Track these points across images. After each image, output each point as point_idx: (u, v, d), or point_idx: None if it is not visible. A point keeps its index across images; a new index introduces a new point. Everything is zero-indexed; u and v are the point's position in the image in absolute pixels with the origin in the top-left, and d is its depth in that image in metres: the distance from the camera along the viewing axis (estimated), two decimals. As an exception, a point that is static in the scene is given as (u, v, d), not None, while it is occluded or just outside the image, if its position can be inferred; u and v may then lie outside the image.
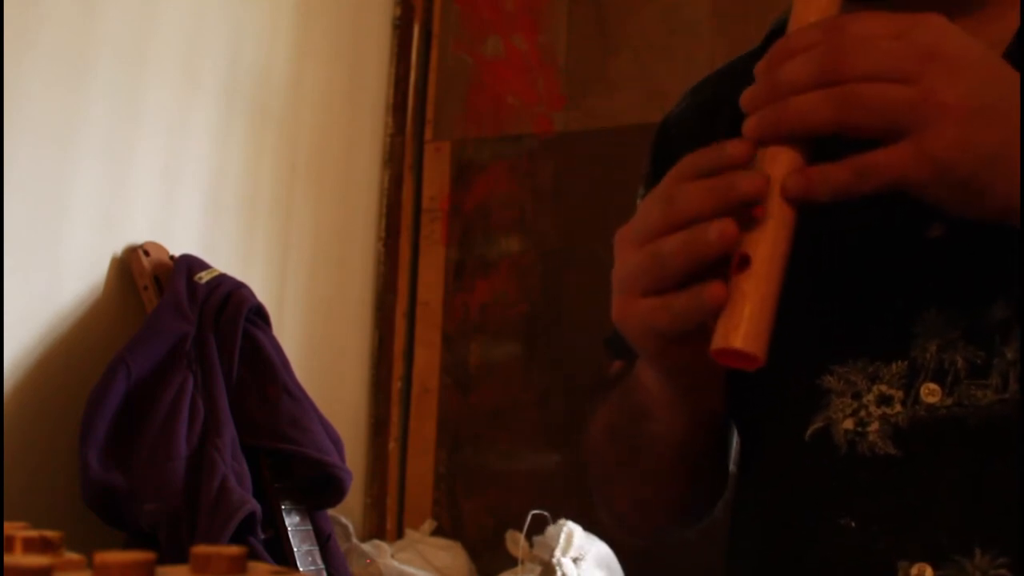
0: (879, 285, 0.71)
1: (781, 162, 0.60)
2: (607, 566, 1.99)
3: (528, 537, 2.05)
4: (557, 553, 1.93)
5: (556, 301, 2.33)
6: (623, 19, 2.40)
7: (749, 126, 0.60)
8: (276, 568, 0.46)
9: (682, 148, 0.69)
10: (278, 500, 1.67)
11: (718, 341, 0.58)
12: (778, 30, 0.68)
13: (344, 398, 2.35)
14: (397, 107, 2.54)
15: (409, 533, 2.31)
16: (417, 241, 2.50)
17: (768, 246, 0.59)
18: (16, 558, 0.41)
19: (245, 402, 1.70)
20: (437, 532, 2.33)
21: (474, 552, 2.26)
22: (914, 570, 0.66)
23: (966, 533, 0.65)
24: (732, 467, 0.86)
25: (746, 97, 0.61)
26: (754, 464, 0.80)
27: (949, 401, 0.67)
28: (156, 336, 1.64)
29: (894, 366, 0.69)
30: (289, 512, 1.67)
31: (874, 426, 0.69)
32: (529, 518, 2.04)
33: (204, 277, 1.74)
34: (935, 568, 0.65)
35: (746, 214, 0.60)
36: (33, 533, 0.47)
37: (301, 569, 1.62)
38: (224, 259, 1.90)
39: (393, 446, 2.41)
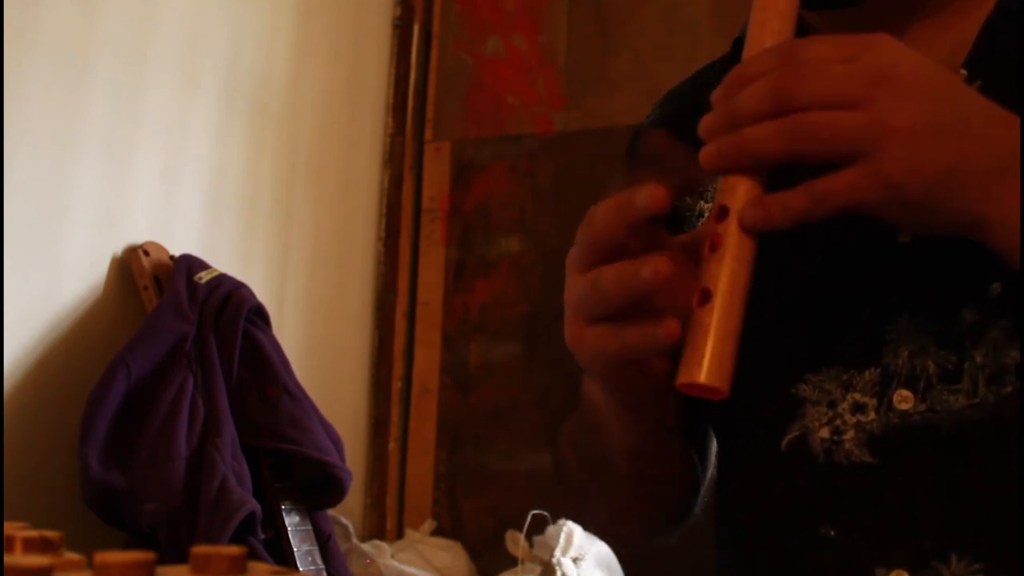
0: (850, 292, 0.72)
1: (739, 193, 0.60)
2: (607, 566, 1.99)
3: (528, 537, 2.05)
4: (557, 553, 1.93)
5: (556, 301, 2.32)
6: (623, 19, 2.40)
7: (707, 157, 0.61)
8: (276, 568, 0.46)
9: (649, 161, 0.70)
10: (278, 500, 1.67)
11: (683, 375, 0.59)
12: (743, 38, 0.69)
13: (344, 398, 2.35)
14: (397, 107, 2.54)
15: (409, 533, 2.31)
16: (417, 241, 2.50)
17: (728, 279, 0.59)
18: (16, 558, 0.41)
19: (245, 402, 1.70)
20: (437, 532, 2.33)
21: (474, 552, 2.26)
22: None
23: (943, 539, 0.65)
24: (712, 471, 0.86)
25: (703, 126, 0.62)
26: (733, 474, 0.81)
27: (922, 407, 0.67)
28: (156, 336, 1.64)
29: (867, 374, 0.70)
30: (289, 512, 1.67)
31: (849, 434, 0.70)
32: (529, 518, 2.04)
33: (204, 277, 1.74)
34: (913, 574, 0.66)
35: (704, 246, 0.61)
36: (33, 533, 0.47)
37: (301, 569, 1.62)
38: (224, 259, 1.90)
39: (393, 446, 2.41)
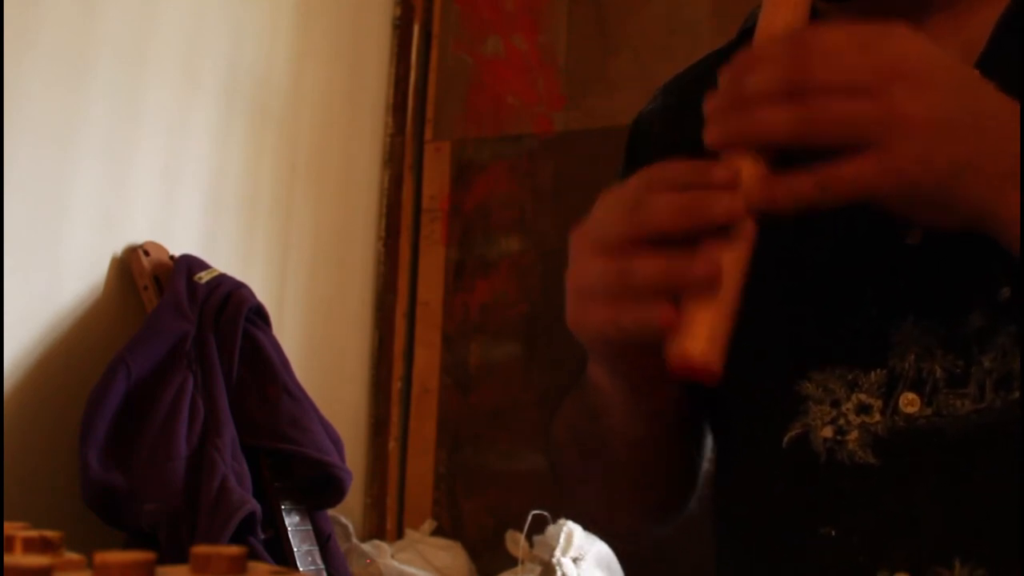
0: (857, 291, 0.71)
1: (743, 171, 0.59)
2: (607, 566, 1.99)
3: (528, 537, 2.05)
4: (557, 553, 1.93)
5: (556, 301, 2.32)
6: (623, 19, 2.40)
7: (711, 135, 0.60)
8: (276, 568, 0.46)
9: (651, 149, 0.68)
10: (278, 500, 1.67)
11: (674, 354, 0.57)
12: (750, 29, 0.68)
13: (344, 398, 2.35)
14: (397, 107, 2.54)
15: (409, 533, 2.31)
16: (417, 241, 2.50)
17: (727, 260, 0.58)
18: (16, 558, 0.41)
19: (245, 402, 1.70)
20: (437, 532, 2.33)
21: (474, 552, 2.26)
22: None
23: (945, 543, 0.65)
24: (707, 465, 0.85)
25: (709, 104, 0.60)
26: (732, 469, 0.79)
27: (928, 411, 0.67)
28: (156, 336, 1.64)
29: (873, 375, 0.69)
30: (289, 512, 1.67)
31: (853, 435, 0.69)
32: (529, 518, 2.04)
33: (204, 277, 1.74)
34: None
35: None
36: (33, 533, 0.47)
37: (301, 569, 1.62)
38: (224, 259, 1.90)
39: (393, 446, 2.41)
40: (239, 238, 2.05)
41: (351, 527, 2.10)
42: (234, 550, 0.43)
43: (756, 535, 0.75)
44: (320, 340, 2.27)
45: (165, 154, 1.86)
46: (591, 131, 2.37)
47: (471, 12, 2.55)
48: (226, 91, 2.01)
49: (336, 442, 1.77)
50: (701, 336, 0.57)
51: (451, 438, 2.39)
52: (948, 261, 0.67)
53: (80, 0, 1.68)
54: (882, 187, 0.56)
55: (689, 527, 0.89)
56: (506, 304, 2.39)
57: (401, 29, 2.56)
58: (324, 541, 1.74)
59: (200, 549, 0.43)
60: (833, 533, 0.69)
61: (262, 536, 1.58)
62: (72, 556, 0.46)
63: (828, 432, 0.70)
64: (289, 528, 1.65)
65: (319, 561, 1.69)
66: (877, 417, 0.68)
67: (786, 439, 0.71)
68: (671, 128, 0.86)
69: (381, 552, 2.08)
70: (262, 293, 1.85)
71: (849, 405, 0.69)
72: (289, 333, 2.10)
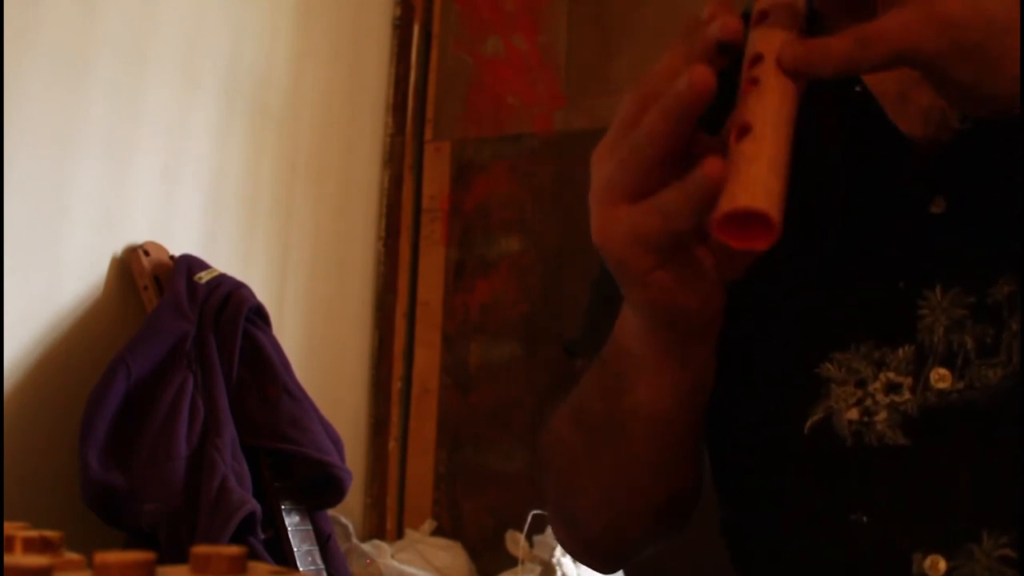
0: (880, 265, 0.68)
1: (775, 40, 0.55)
2: (607, 566, 1.99)
3: (528, 537, 2.05)
4: (557, 553, 1.93)
5: (556, 301, 2.33)
6: (623, 19, 2.40)
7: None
8: (276, 568, 0.45)
9: None
10: (278, 500, 1.67)
11: (723, 205, 0.50)
12: (748, 13, 0.66)
13: (344, 398, 2.35)
14: (397, 107, 2.54)
15: (409, 533, 2.31)
16: (417, 241, 2.50)
17: (771, 112, 0.53)
18: (16, 558, 0.41)
19: (245, 402, 1.70)
20: (437, 532, 2.33)
21: (474, 552, 2.26)
22: (927, 562, 0.64)
23: (975, 518, 0.63)
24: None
25: None
26: (748, 461, 0.75)
27: (960, 385, 0.64)
28: (156, 336, 1.64)
29: (901, 351, 0.66)
30: (289, 512, 1.67)
31: (881, 415, 0.66)
32: (529, 518, 2.04)
33: (204, 277, 1.74)
34: (948, 559, 0.63)
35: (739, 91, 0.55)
36: (33, 533, 0.46)
37: (301, 569, 1.62)
38: (224, 259, 1.90)
39: (393, 446, 2.41)
40: (239, 238, 2.05)
41: (351, 527, 2.10)
42: (234, 550, 0.43)
43: (781, 529, 0.72)
44: (320, 340, 2.27)
45: (165, 154, 1.86)
46: (591, 131, 2.36)
47: (471, 12, 2.55)
48: (226, 91, 2.01)
49: (336, 442, 1.77)
50: (752, 187, 0.49)
51: (451, 438, 2.39)
52: (974, 227, 0.65)
53: (80, 0, 1.68)
54: (926, 40, 0.53)
55: (689, 529, 0.86)
56: (506, 304, 2.39)
57: (401, 29, 2.56)
58: (324, 541, 1.74)
59: (200, 549, 0.43)
60: (864, 519, 0.66)
61: (262, 536, 1.58)
62: (72, 556, 0.46)
63: (854, 414, 0.67)
64: (289, 528, 1.65)
65: (319, 561, 1.69)
66: (907, 395, 0.65)
67: (808, 425, 0.68)
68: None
69: (381, 552, 2.08)
70: (262, 293, 1.85)
71: (877, 385, 0.66)
72: (289, 333, 2.10)
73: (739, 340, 0.70)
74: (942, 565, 0.64)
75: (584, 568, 1.93)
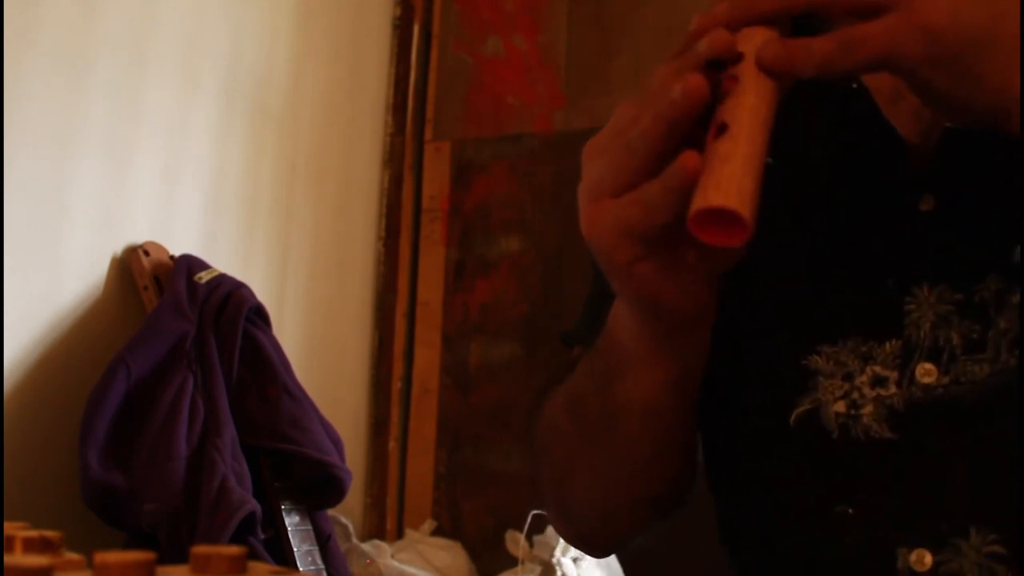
0: (868, 261, 0.69)
1: (755, 38, 0.55)
2: (607, 566, 1.99)
3: (528, 537, 2.05)
4: (557, 553, 1.93)
5: (556, 301, 2.33)
6: (623, 19, 2.40)
7: (720, 9, 0.56)
8: (276, 568, 0.45)
9: None
10: (278, 500, 1.67)
11: (696, 203, 0.50)
12: None
13: (344, 398, 2.35)
14: (397, 107, 2.54)
15: (409, 533, 2.31)
16: (417, 241, 2.50)
17: (747, 111, 0.53)
18: (16, 558, 0.41)
19: (245, 402, 1.70)
20: (437, 532, 2.33)
21: (474, 552, 2.26)
22: (913, 556, 0.64)
23: (963, 514, 0.63)
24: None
25: None
26: (735, 452, 0.75)
27: (946, 380, 0.65)
28: (156, 336, 1.64)
29: (888, 345, 0.67)
30: (289, 512, 1.67)
31: (868, 409, 0.67)
32: (529, 518, 2.04)
33: (204, 277, 1.74)
34: (934, 554, 0.64)
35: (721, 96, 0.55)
36: (33, 533, 0.47)
37: (301, 569, 1.62)
38: (224, 259, 1.90)
39: (393, 446, 2.41)
40: (239, 238, 2.05)
41: (351, 527, 2.10)
42: (234, 550, 0.43)
43: (771, 519, 0.72)
44: (320, 340, 2.27)
45: (165, 154, 1.86)
46: (591, 131, 2.36)
47: (471, 12, 2.55)
48: (226, 91, 2.01)
49: (336, 442, 1.77)
50: (724, 185, 0.50)
51: (451, 438, 2.39)
52: (962, 225, 0.66)
53: (80, 0, 1.68)
54: (908, 47, 0.53)
55: (690, 529, 0.86)
56: (506, 304, 2.39)
57: (401, 29, 2.56)
58: (324, 541, 1.74)
59: (200, 549, 0.43)
60: (850, 511, 0.67)
61: (262, 536, 1.58)
62: (72, 556, 0.46)
63: (841, 407, 0.67)
64: (289, 528, 1.65)
65: (319, 561, 1.69)
66: (893, 389, 0.66)
67: (794, 416, 0.69)
68: None
69: (381, 552, 2.08)
70: (262, 293, 1.85)
71: (863, 378, 0.67)
72: (289, 333, 2.10)
73: (730, 330, 0.70)
74: (928, 559, 0.64)
75: (584, 568, 1.93)
